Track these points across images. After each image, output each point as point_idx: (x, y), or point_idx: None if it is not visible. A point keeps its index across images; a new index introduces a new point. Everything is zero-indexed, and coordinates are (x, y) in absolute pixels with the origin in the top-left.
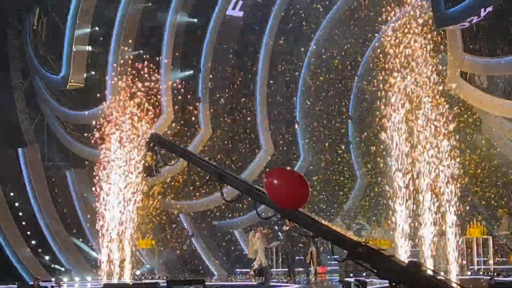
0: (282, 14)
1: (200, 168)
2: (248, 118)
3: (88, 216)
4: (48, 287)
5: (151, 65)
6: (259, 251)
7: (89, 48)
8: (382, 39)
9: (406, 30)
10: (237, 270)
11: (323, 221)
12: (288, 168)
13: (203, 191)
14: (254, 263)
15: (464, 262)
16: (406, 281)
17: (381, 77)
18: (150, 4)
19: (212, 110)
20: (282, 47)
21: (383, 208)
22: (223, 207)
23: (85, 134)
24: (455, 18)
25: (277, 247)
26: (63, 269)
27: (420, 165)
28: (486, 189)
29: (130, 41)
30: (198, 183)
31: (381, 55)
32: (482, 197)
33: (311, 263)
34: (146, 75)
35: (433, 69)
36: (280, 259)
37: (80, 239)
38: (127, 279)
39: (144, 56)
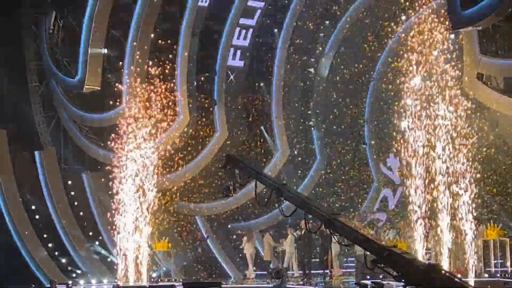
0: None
1: (265, 185)
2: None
3: (104, 218)
4: None
5: (167, 67)
6: (248, 254)
7: (105, 51)
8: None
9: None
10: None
11: (358, 230)
12: None
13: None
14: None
15: (481, 264)
16: (426, 283)
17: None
18: (166, 7)
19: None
20: (298, 49)
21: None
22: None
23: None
24: (472, 20)
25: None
26: (79, 271)
27: (436, 165)
28: (503, 190)
29: (146, 44)
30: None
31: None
32: (498, 199)
33: (329, 265)
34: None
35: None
36: (296, 261)
37: (97, 242)
38: (143, 281)
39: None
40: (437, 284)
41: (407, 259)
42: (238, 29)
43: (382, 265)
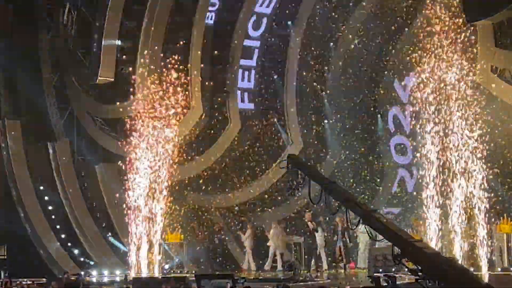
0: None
1: (319, 184)
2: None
3: (117, 210)
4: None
5: (181, 59)
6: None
7: (119, 42)
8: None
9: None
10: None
11: (390, 226)
12: None
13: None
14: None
15: (494, 258)
16: (441, 277)
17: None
18: None
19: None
20: (311, 41)
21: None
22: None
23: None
24: (487, 12)
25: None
26: (92, 262)
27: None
28: None
29: (159, 36)
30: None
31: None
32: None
33: (341, 259)
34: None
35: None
36: (306, 255)
37: (109, 234)
38: (156, 273)
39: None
40: (450, 278)
41: (427, 254)
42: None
43: (404, 259)
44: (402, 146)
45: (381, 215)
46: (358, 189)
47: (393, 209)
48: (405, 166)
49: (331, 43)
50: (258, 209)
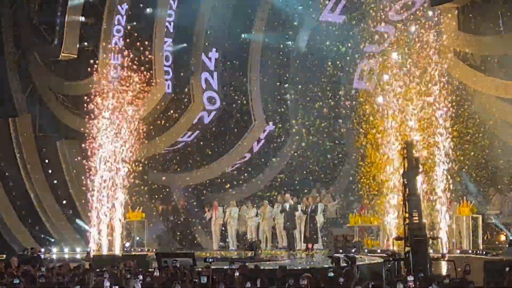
0: None
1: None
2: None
3: (79, 187)
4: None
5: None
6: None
7: (82, 18)
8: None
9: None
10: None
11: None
12: None
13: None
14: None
15: (454, 240)
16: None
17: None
18: None
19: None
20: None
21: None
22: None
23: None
24: None
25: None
26: (52, 239)
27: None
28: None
29: (123, 12)
30: None
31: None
32: (472, 176)
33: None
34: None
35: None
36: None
37: (70, 211)
38: (116, 250)
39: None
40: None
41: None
42: None
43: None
44: None
45: (418, 199)
46: (321, 166)
47: None
48: None
49: (295, 22)
50: (221, 188)
